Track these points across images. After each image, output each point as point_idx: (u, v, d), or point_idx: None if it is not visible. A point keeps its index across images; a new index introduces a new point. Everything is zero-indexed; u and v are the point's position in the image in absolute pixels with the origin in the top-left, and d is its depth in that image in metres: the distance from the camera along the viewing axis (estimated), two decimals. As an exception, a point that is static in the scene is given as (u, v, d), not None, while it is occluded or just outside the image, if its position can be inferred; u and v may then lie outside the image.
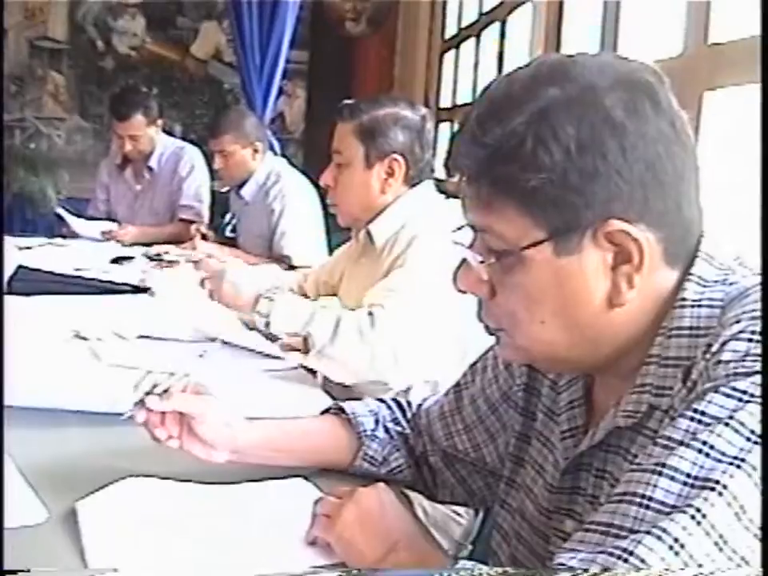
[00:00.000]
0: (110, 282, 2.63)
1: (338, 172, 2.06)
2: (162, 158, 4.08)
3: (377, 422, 1.28)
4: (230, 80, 6.87)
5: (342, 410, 1.30)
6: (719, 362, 0.77)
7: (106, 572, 0.88)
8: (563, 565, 0.75)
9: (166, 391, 1.16)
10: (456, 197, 0.94)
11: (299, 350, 1.85)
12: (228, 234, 3.97)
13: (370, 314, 1.82)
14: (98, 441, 1.34)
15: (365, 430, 1.27)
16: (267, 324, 1.89)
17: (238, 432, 1.21)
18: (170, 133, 4.24)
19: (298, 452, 1.26)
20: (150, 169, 4.08)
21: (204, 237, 3.68)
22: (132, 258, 3.23)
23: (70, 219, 3.85)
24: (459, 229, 0.93)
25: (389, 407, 1.32)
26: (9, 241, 3.24)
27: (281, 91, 6.25)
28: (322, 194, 2.68)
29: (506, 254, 0.86)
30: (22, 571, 0.83)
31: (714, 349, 0.79)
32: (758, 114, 0.92)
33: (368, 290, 1.96)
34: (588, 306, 0.85)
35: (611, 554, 0.72)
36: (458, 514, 1.79)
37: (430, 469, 1.28)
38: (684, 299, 0.85)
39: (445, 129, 5.90)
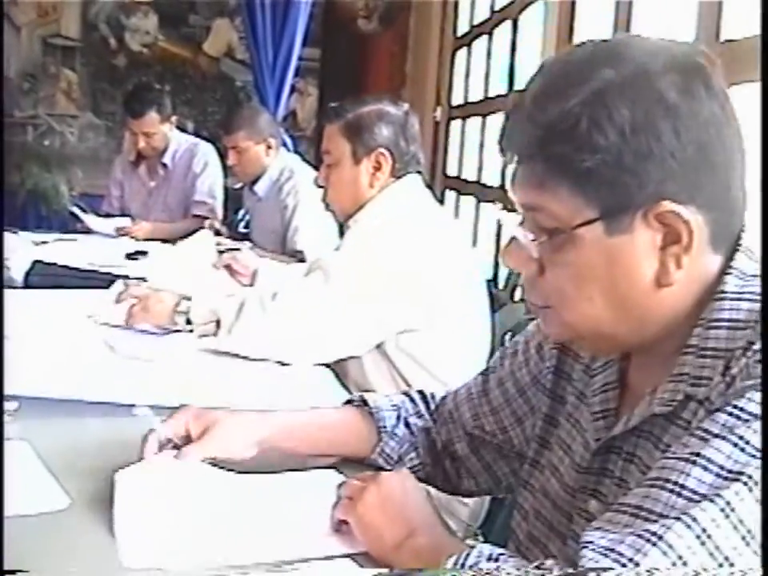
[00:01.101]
0: (124, 276, 2.64)
1: (329, 172, 2.15)
2: (176, 155, 4.10)
3: (398, 417, 1.29)
4: (243, 77, 6.89)
5: (365, 402, 1.31)
6: (760, 360, 0.79)
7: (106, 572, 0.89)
8: (591, 542, 0.76)
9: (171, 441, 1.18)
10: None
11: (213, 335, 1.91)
12: (241, 229, 4.00)
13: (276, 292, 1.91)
14: (116, 431, 1.36)
15: (384, 426, 1.27)
16: (188, 320, 1.95)
17: (255, 429, 1.22)
18: (182, 129, 4.26)
19: (318, 442, 1.27)
20: (164, 165, 4.10)
21: (217, 232, 3.70)
22: (146, 252, 3.25)
23: (85, 217, 3.88)
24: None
25: (412, 400, 1.33)
26: (24, 236, 3.28)
27: (293, 89, 6.27)
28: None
29: (558, 233, 0.88)
30: (21, 571, 0.85)
31: (756, 347, 0.81)
32: (759, 113, 0.93)
33: None
34: (636, 285, 0.87)
35: (640, 536, 0.74)
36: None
37: (453, 460, 1.29)
38: (724, 292, 0.87)
39: (457, 126, 5.90)
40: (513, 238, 0.93)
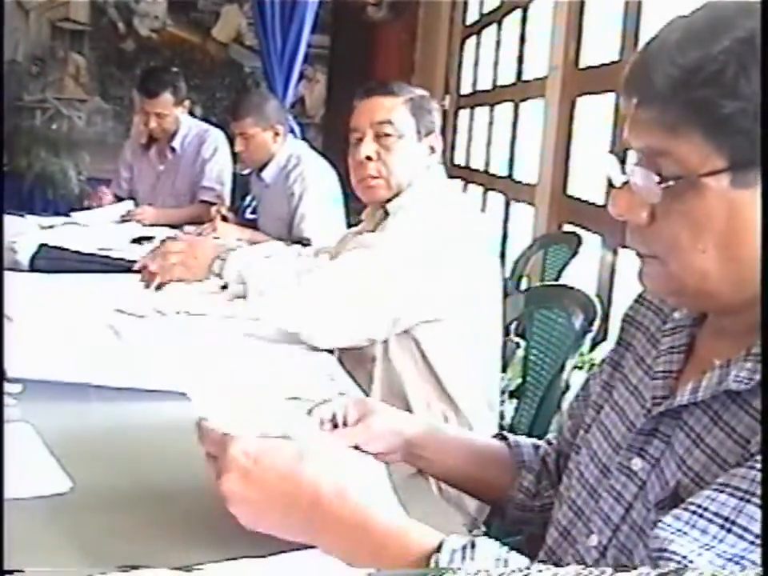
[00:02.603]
0: (129, 260, 2.65)
1: (384, 143, 2.09)
2: (186, 140, 4.10)
3: (536, 453, 1.28)
4: (251, 63, 6.89)
5: (505, 438, 1.30)
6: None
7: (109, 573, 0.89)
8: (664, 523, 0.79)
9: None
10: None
11: (243, 297, 1.93)
12: (248, 215, 3.99)
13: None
14: (120, 415, 1.36)
15: (523, 461, 1.26)
16: (222, 280, 1.98)
17: (403, 428, 1.23)
18: (191, 115, 4.26)
19: (462, 458, 1.26)
20: (173, 150, 4.10)
21: (224, 218, 3.69)
22: (152, 237, 3.24)
23: (86, 216, 3.83)
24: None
25: (549, 442, 1.31)
26: (31, 220, 3.28)
27: (301, 75, 6.26)
28: (343, 177, 2.69)
29: (681, 180, 0.87)
30: (19, 571, 0.85)
31: None
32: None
33: None
34: (751, 241, 0.86)
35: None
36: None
37: None
38: None
39: (465, 115, 5.89)
40: (625, 183, 0.92)
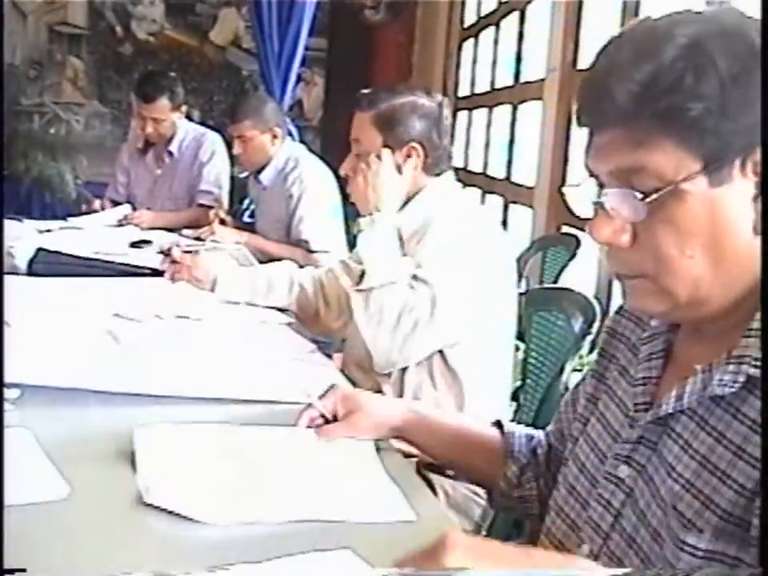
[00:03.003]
0: (127, 264, 2.64)
1: (357, 161, 2.06)
2: (183, 144, 4.10)
3: (528, 444, 1.30)
4: (249, 66, 6.88)
5: (501, 426, 1.33)
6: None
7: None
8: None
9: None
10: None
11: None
12: (246, 219, 3.99)
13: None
14: (118, 420, 1.36)
15: (512, 451, 1.29)
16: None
17: (390, 418, 1.33)
18: (189, 118, 4.25)
19: (452, 443, 1.33)
20: (171, 154, 4.10)
21: (222, 222, 3.69)
22: (150, 241, 3.24)
23: (84, 221, 3.83)
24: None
25: (546, 434, 1.33)
26: (28, 224, 3.27)
27: (299, 78, 6.26)
28: (341, 181, 2.68)
29: (659, 191, 0.88)
30: (21, 571, 0.84)
31: None
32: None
33: None
34: (738, 237, 0.88)
35: None
36: (478, 495, 1.80)
37: None
38: None
39: (463, 117, 5.89)
40: (597, 211, 0.93)
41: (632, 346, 1.08)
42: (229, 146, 3.81)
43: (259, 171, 3.56)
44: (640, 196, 0.88)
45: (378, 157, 2.02)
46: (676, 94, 0.85)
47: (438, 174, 2.07)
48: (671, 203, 0.88)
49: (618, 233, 0.91)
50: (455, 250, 1.90)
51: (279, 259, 2.68)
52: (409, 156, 2.02)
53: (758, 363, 0.85)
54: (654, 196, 0.88)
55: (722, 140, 0.86)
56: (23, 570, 0.83)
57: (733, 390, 0.87)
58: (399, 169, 2.03)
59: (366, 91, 2.09)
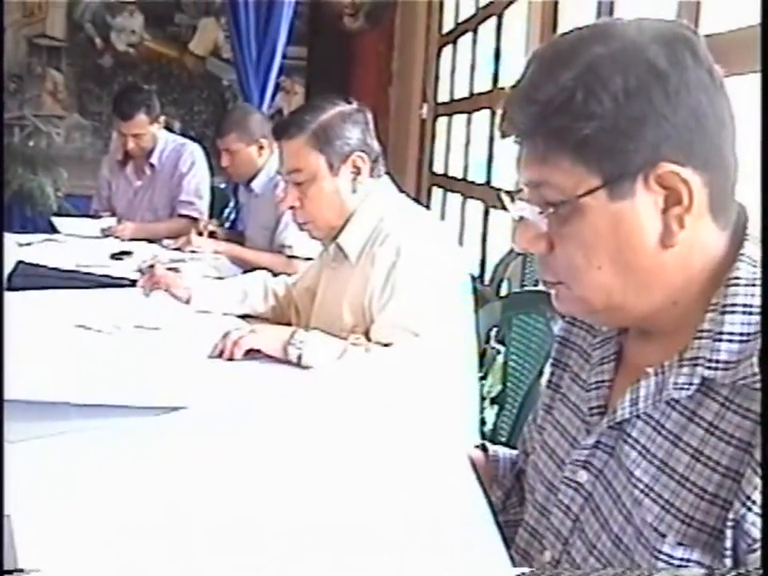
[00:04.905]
0: (108, 276, 2.65)
1: (302, 190, 2.03)
2: (163, 155, 4.10)
3: (512, 468, 1.27)
4: (229, 76, 6.88)
5: (485, 449, 1.30)
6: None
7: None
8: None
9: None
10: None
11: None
12: (226, 227, 4.00)
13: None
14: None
15: (496, 475, 1.26)
16: (299, 357, 1.87)
17: None
18: (169, 129, 4.26)
19: None
20: (152, 165, 4.10)
21: (212, 234, 3.71)
22: (130, 253, 3.25)
23: (66, 223, 3.85)
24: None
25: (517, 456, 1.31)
26: (9, 237, 3.27)
27: (278, 87, 6.27)
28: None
29: (563, 204, 0.90)
30: (18, 571, 0.85)
31: None
32: (758, 110, 0.94)
33: (345, 299, 2.00)
34: (642, 248, 0.89)
35: None
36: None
37: None
38: (738, 278, 0.89)
39: (443, 123, 5.91)
40: (521, 219, 0.96)
41: (583, 352, 1.09)
42: (209, 156, 3.82)
43: (250, 180, 3.58)
44: (538, 210, 0.92)
45: (326, 177, 2.01)
46: (566, 114, 0.87)
47: (379, 176, 2.08)
48: (573, 217, 0.90)
49: (536, 240, 0.94)
50: (406, 275, 1.91)
51: (259, 267, 2.68)
52: (356, 166, 2.02)
53: (712, 365, 0.86)
54: (552, 210, 0.91)
55: (618, 157, 0.87)
56: (21, 571, 0.84)
57: (688, 392, 0.88)
58: (352, 182, 2.02)
59: (284, 119, 2.08)
